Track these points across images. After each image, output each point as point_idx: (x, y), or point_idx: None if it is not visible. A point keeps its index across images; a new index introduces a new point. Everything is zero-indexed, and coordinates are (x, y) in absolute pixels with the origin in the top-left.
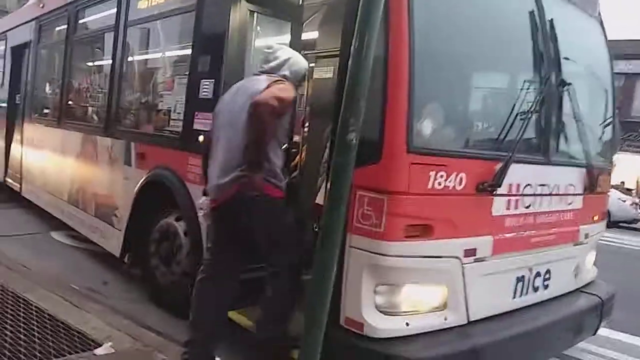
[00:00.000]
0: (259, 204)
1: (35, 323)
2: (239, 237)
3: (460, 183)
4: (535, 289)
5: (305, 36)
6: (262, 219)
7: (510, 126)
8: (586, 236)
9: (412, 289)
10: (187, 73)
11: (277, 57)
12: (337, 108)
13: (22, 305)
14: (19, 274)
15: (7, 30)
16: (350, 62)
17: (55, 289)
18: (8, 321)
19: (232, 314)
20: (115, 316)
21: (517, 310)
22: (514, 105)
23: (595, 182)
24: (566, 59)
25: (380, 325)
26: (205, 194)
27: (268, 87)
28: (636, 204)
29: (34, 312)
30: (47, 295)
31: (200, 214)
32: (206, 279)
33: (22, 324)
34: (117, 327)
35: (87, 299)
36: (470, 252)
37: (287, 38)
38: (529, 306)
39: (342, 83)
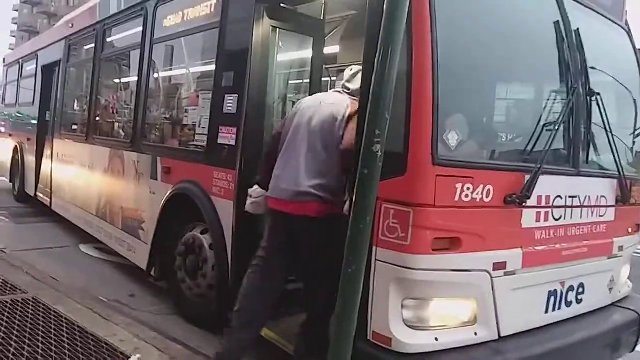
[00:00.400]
0: (322, 223)
1: (66, 335)
2: (294, 245)
3: (487, 195)
4: (569, 304)
5: (327, 50)
6: (322, 238)
7: (538, 137)
8: (620, 249)
9: (441, 303)
10: (211, 89)
11: (358, 79)
12: (361, 120)
13: (52, 317)
14: (49, 287)
15: (38, 50)
16: (374, 75)
17: (84, 301)
18: (40, 333)
19: None
20: (142, 328)
21: (550, 325)
22: (541, 115)
23: (627, 193)
24: (593, 68)
25: (409, 340)
26: (260, 185)
27: (350, 117)
28: None
29: (64, 325)
30: (77, 307)
31: (249, 201)
32: (257, 272)
33: (53, 336)
34: (144, 340)
35: (114, 311)
36: (500, 266)
37: (309, 53)
38: (562, 321)
39: (366, 96)
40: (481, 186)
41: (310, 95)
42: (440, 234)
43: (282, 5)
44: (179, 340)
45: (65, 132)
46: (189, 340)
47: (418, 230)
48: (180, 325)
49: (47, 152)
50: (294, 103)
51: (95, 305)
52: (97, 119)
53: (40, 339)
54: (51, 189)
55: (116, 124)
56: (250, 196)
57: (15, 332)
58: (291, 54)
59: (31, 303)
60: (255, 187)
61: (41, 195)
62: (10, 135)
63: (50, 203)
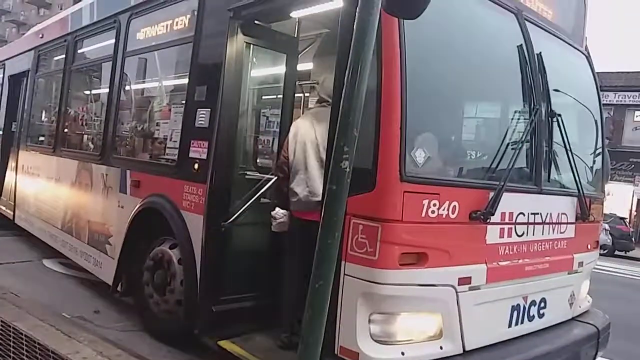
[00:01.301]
0: None
1: (25, 353)
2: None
3: (453, 211)
4: (531, 318)
5: (301, 67)
6: None
7: (502, 156)
8: (580, 265)
9: (408, 318)
10: (183, 102)
11: None
12: (331, 136)
13: (12, 334)
14: (9, 302)
15: (5, 60)
16: (343, 91)
17: (46, 317)
18: None
19: (223, 343)
20: (106, 345)
21: (513, 339)
22: (505, 134)
23: (587, 210)
24: (555, 90)
25: (376, 354)
26: (280, 206)
27: None
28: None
29: (24, 342)
30: (38, 324)
31: (275, 222)
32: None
33: (11, 354)
34: (108, 357)
35: (78, 328)
36: (465, 280)
37: (282, 69)
38: (524, 335)
39: (336, 112)
40: (447, 202)
41: (282, 111)
42: (407, 249)
43: (256, 22)
44: (145, 357)
45: (31, 143)
46: (155, 357)
47: (386, 245)
48: (146, 341)
49: (11, 163)
50: (267, 118)
51: (57, 321)
52: (66, 130)
53: None
54: (15, 202)
55: (85, 136)
56: (275, 218)
57: None
58: (265, 69)
59: None
60: (277, 209)
61: (3, 208)
62: None
63: (13, 216)
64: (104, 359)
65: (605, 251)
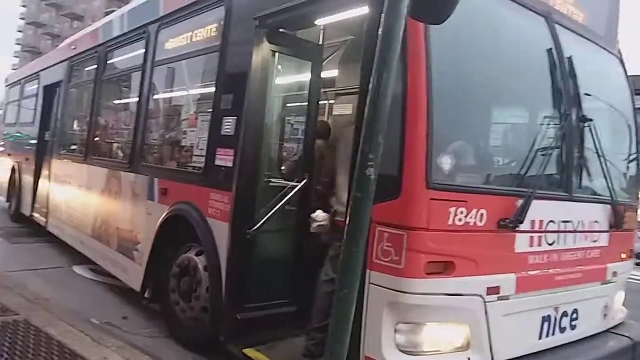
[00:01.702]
0: None
1: (56, 358)
2: None
3: (481, 219)
4: (562, 330)
5: (325, 74)
6: None
7: (531, 162)
8: (614, 274)
9: (434, 328)
10: (209, 110)
11: None
12: (356, 144)
13: (43, 340)
14: (41, 308)
15: (40, 71)
16: (368, 99)
17: (76, 323)
18: (29, 356)
19: (248, 351)
20: (134, 352)
21: (543, 351)
22: (535, 140)
23: (621, 218)
24: (586, 95)
25: None
26: (324, 210)
27: None
28: None
29: (55, 348)
30: (68, 329)
31: (315, 224)
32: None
33: (43, 359)
34: None
35: (106, 334)
36: (493, 290)
37: (307, 76)
38: (556, 347)
39: (361, 119)
40: (474, 210)
41: (307, 118)
42: (433, 258)
43: (281, 30)
44: None
45: (64, 152)
46: None
47: (412, 253)
48: (172, 348)
49: (44, 172)
50: (292, 125)
51: (86, 327)
52: (96, 139)
53: None
54: (47, 209)
55: (115, 145)
56: (315, 220)
57: (4, 354)
58: (289, 77)
59: (22, 325)
60: (318, 211)
61: (37, 215)
62: (9, 154)
63: (46, 223)
64: None
65: None
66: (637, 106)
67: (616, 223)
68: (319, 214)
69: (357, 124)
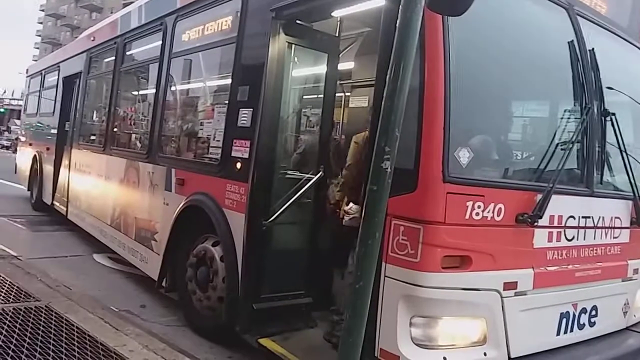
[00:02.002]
0: None
1: (77, 344)
2: None
3: (499, 214)
4: (581, 326)
5: (341, 66)
6: None
7: (551, 156)
8: (635, 272)
9: (450, 322)
10: (226, 102)
11: None
12: (372, 136)
13: (64, 326)
14: (62, 295)
15: (60, 62)
16: (385, 90)
17: (95, 310)
18: (51, 342)
19: (263, 341)
20: (151, 339)
21: (561, 348)
22: (555, 134)
23: None
24: (608, 88)
25: (417, 358)
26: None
27: None
28: None
29: (75, 333)
30: (88, 316)
31: (347, 217)
32: None
33: (64, 345)
34: (153, 350)
35: (125, 321)
36: (510, 285)
37: (323, 68)
38: (574, 344)
39: (377, 112)
40: (492, 204)
41: (323, 110)
42: (450, 252)
43: (297, 22)
44: (188, 352)
45: (83, 142)
46: (197, 352)
47: (428, 247)
48: (189, 337)
49: (65, 161)
50: (308, 117)
51: (106, 314)
52: (115, 130)
53: (51, 347)
54: (67, 198)
55: (133, 135)
56: (348, 213)
57: (27, 340)
58: (306, 69)
59: (44, 311)
60: (351, 204)
61: (57, 204)
62: (30, 144)
63: (66, 212)
64: (149, 352)
65: None
66: None
67: (638, 219)
68: (352, 207)
69: (372, 116)
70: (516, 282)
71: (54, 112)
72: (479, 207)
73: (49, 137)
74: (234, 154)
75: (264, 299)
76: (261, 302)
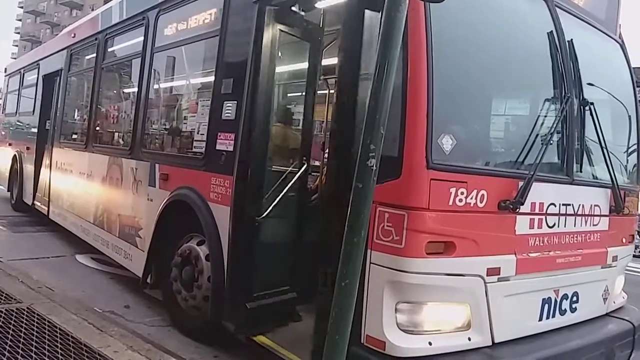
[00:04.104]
0: None
1: (60, 346)
2: None
3: (481, 200)
4: (563, 312)
5: (326, 62)
6: None
7: (532, 144)
8: (614, 259)
9: (435, 308)
10: (210, 95)
11: None
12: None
13: (47, 327)
14: (44, 296)
15: (39, 60)
16: (370, 89)
17: (79, 311)
18: (34, 344)
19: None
20: (136, 340)
21: (544, 333)
22: (535, 123)
23: (621, 203)
24: (587, 79)
25: (403, 344)
26: None
27: None
28: None
29: (58, 335)
30: (71, 317)
31: None
32: None
33: (47, 347)
34: (138, 351)
35: (109, 322)
36: (493, 271)
37: (306, 58)
38: (556, 329)
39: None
40: (475, 191)
41: (306, 102)
42: (434, 238)
43: (282, 9)
44: (173, 352)
45: (64, 140)
46: (183, 352)
47: (412, 233)
48: (174, 337)
49: (46, 160)
50: (290, 109)
51: (89, 315)
52: (97, 127)
53: (33, 349)
54: (49, 198)
55: (116, 132)
56: None
57: (8, 342)
58: (290, 59)
59: (25, 313)
60: None
61: (39, 204)
62: (10, 144)
63: (48, 212)
64: (134, 352)
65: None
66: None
67: (617, 207)
68: None
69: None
70: (499, 267)
71: (33, 111)
72: (462, 193)
73: (29, 137)
74: (218, 147)
75: (256, 297)
76: (254, 300)
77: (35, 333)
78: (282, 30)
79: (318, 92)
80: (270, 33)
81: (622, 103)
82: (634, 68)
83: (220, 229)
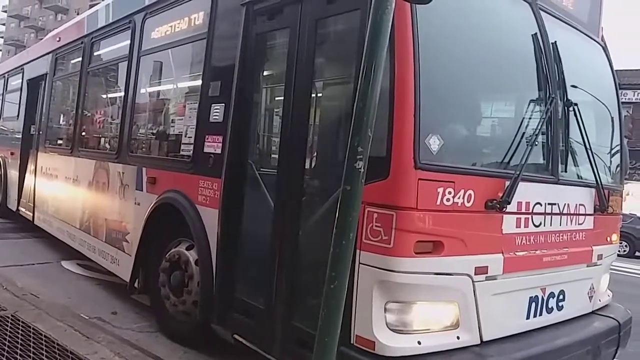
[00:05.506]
0: None
1: (45, 354)
2: None
3: (469, 200)
4: (549, 310)
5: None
6: None
7: (518, 145)
8: (599, 257)
9: (423, 307)
10: (198, 98)
11: None
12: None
13: (32, 335)
14: (29, 304)
15: (24, 64)
16: (357, 92)
17: (65, 318)
18: (18, 351)
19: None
20: (123, 346)
21: (531, 331)
22: (521, 124)
23: (605, 202)
24: (571, 80)
25: (392, 343)
26: None
27: None
28: None
29: (43, 343)
30: (57, 325)
31: None
32: None
33: (32, 355)
34: (125, 358)
35: (96, 329)
36: (481, 270)
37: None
38: (543, 327)
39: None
40: (462, 191)
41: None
42: (422, 237)
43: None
44: (161, 358)
45: (50, 145)
46: (171, 358)
47: (401, 233)
48: (162, 342)
49: (30, 166)
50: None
51: (76, 322)
52: (83, 131)
53: (18, 357)
54: (34, 203)
55: (102, 136)
56: None
57: None
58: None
59: (10, 320)
60: None
61: (23, 210)
62: None
63: (33, 217)
64: (121, 359)
65: (625, 252)
66: (623, 100)
67: (602, 207)
68: None
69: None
70: (487, 266)
71: (18, 116)
72: (449, 193)
73: (14, 142)
74: (206, 149)
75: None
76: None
77: (20, 341)
78: (262, 34)
79: None
80: (254, 38)
81: (604, 104)
82: (616, 70)
83: (208, 230)
